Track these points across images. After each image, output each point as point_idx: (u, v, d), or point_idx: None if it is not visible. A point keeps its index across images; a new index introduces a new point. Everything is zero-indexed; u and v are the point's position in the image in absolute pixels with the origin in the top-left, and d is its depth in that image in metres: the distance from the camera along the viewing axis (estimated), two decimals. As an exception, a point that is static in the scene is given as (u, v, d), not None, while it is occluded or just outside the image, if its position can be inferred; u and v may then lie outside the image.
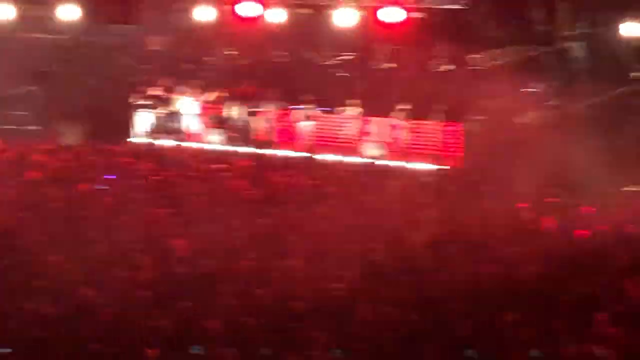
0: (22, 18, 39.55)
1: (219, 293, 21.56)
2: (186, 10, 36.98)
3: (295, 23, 35.74)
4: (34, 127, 36.40)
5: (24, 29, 40.06)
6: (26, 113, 37.67)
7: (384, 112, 34.26)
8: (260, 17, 35.27)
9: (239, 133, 35.49)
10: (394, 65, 35.61)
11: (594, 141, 28.86)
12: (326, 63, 36.91)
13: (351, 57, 37.21)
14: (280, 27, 36.11)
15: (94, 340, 19.20)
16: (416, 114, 33.61)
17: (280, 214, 26.96)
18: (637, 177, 27.94)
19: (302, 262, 23.83)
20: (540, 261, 23.22)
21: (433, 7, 33.43)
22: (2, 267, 23.19)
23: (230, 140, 35.32)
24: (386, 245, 24.81)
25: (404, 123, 33.67)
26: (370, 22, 34.44)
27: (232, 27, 36.77)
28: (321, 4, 34.89)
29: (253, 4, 34.66)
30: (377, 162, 33.00)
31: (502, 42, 33.48)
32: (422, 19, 33.58)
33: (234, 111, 35.64)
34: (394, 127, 33.83)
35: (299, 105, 35.59)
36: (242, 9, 35.04)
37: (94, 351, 18.93)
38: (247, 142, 35.13)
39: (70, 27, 38.81)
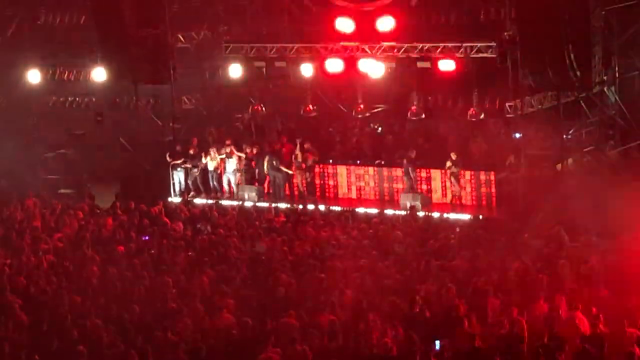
0: (54, 82, 40.22)
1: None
2: (216, 69, 37.45)
3: (327, 75, 35.51)
4: (68, 190, 36.32)
5: (57, 93, 40.40)
6: (58, 177, 37.70)
7: (425, 164, 34.22)
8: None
9: (274, 189, 35.41)
10: (431, 115, 35.38)
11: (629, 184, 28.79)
12: (360, 116, 36.56)
13: (387, 108, 37.18)
14: (312, 81, 36.21)
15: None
16: (456, 164, 33.42)
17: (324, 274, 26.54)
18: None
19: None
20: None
21: (473, 56, 33.38)
22: (42, 331, 23.28)
23: (266, 196, 35.22)
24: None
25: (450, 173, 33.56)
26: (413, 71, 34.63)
27: (262, 84, 37.14)
28: (357, 55, 34.81)
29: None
30: (418, 214, 32.54)
31: (538, 89, 33.36)
32: (463, 68, 33.61)
33: (268, 166, 35.42)
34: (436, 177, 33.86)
35: (333, 159, 35.63)
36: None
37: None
38: (281, 197, 34.95)
39: (101, 89, 39.16)
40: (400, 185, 34.40)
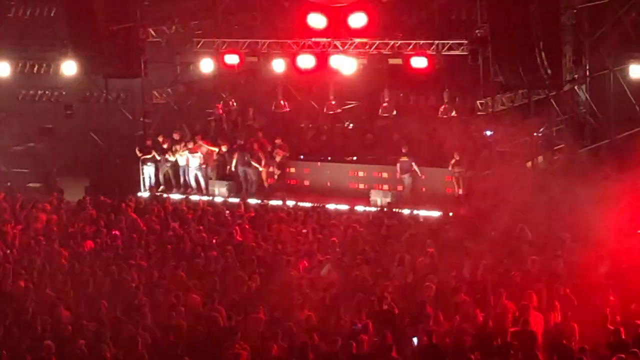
0: (23, 75, 40.27)
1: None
2: (188, 64, 37.57)
3: (298, 71, 35.58)
4: (35, 184, 36.32)
5: (26, 86, 40.60)
6: (27, 170, 37.61)
7: (393, 161, 34.09)
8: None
9: (244, 184, 35.36)
10: (400, 112, 35.37)
11: (598, 183, 28.87)
12: (331, 112, 36.66)
13: (358, 105, 37.34)
14: (283, 77, 36.26)
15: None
16: (423, 161, 33.56)
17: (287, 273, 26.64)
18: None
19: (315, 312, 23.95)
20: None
21: (445, 53, 33.45)
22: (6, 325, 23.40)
23: (235, 192, 35.24)
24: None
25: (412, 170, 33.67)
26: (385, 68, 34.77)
27: (233, 80, 37.21)
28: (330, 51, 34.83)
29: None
30: (386, 210, 32.60)
31: (509, 87, 33.54)
32: (435, 65, 33.61)
33: (237, 162, 35.44)
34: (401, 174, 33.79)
35: (303, 155, 35.63)
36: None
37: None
38: (252, 193, 34.88)
39: (71, 83, 39.25)
40: (363, 183, 34.37)
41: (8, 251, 28.48)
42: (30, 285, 25.66)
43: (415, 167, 33.20)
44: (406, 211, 32.47)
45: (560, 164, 32.62)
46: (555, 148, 33.39)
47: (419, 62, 33.30)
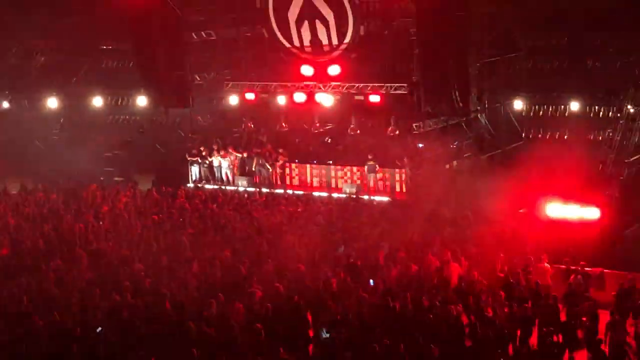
0: (111, 106, 40.67)
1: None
2: (220, 98, 37.33)
3: (294, 104, 35.11)
4: (119, 178, 36.05)
5: (113, 113, 40.84)
6: (113, 169, 37.20)
7: (358, 163, 33.72)
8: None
9: (260, 179, 35.04)
10: (362, 132, 35.04)
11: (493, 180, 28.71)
12: (316, 131, 36.52)
13: (334, 127, 36.72)
14: (284, 107, 35.79)
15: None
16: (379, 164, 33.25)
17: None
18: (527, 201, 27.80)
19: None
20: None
21: (392, 92, 33.09)
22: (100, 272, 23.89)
23: (252, 184, 34.82)
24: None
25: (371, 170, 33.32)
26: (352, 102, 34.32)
27: (250, 109, 36.63)
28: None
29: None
30: (352, 196, 32.40)
31: (434, 114, 33.23)
32: (385, 100, 33.29)
33: (254, 164, 35.07)
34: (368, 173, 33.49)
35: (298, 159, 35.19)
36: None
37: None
38: (265, 185, 34.51)
39: (143, 111, 39.35)
40: (341, 178, 34.16)
41: (100, 223, 28.64)
42: (115, 246, 25.87)
43: (378, 168, 32.88)
44: (365, 197, 32.26)
45: (467, 166, 32.45)
46: (465, 156, 33.15)
47: (374, 98, 33.22)
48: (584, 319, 19.98)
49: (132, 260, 24.40)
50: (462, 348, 18.69)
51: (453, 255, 23.94)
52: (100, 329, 19.59)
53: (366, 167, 33.19)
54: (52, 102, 39.55)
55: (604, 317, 19.89)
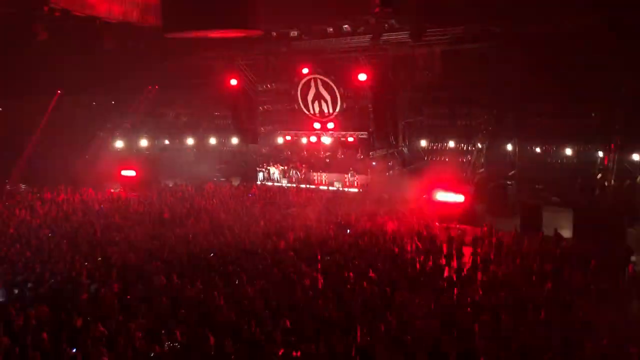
0: (218, 143, 39.56)
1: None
2: (275, 138, 37.28)
3: (310, 142, 35.04)
4: (223, 178, 36.16)
5: (219, 148, 39.80)
6: (219, 173, 37.08)
7: (343, 172, 33.51)
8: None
9: (291, 179, 35.09)
10: (344, 156, 34.95)
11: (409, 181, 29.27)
12: (321, 155, 35.91)
13: (331, 154, 35.71)
14: (304, 144, 35.56)
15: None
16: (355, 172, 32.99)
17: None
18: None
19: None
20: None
21: (360, 137, 33.36)
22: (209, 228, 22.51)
23: (289, 182, 34.82)
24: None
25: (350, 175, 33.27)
26: (339, 141, 34.43)
27: (289, 144, 36.67)
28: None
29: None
30: (339, 189, 32.67)
31: (381, 147, 33.56)
32: (356, 141, 33.79)
33: (290, 172, 35.29)
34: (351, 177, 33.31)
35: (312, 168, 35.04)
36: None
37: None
38: (294, 182, 34.44)
39: (235, 145, 39.06)
40: (331, 179, 33.70)
41: (213, 201, 29.06)
42: (221, 213, 25.68)
43: (354, 174, 32.95)
44: (346, 189, 32.71)
45: (396, 174, 32.57)
46: (395, 168, 33.25)
47: (350, 139, 33.97)
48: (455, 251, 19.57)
49: (228, 220, 24.27)
50: (392, 266, 17.73)
51: (389, 219, 23.83)
52: (212, 254, 18.86)
53: (349, 174, 33.33)
54: (190, 140, 39.47)
55: (467, 250, 19.72)
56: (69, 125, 36.39)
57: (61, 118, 36.50)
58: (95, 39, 25.00)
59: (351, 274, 16.45)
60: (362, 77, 31.26)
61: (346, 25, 26.08)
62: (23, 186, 31.32)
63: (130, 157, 36.48)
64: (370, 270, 16.69)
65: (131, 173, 34.63)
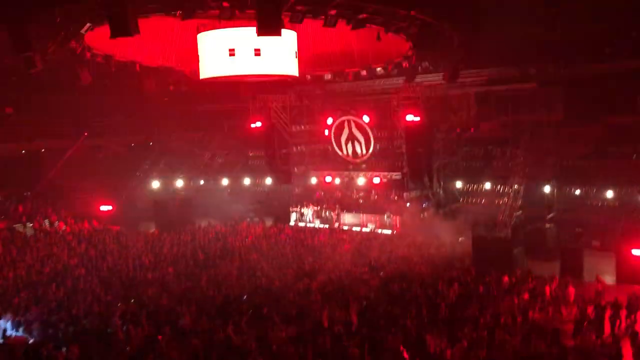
0: (253, 185, 39.94)
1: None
2: (306, 180, 37.15)
3: (324, 183, 35.30)
4: (256, 218, 36.07)
5: (253, 188, 40.11)
6: (253, 213, 37.16)
7: (379, 213, 33.10)
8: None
9: (321, 220, 34.83)
10: (377, 197, 34.35)
11: (444, 223, 28.90)
12: (355, 197, 35.33)
13: (364, 194, 35.27)
14: (340, 184, 35.50)
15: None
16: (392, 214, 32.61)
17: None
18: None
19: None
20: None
21: (394, 178, 32.96)
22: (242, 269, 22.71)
23: (322, 222, 34.63)
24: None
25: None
26: (373, 183, 33.95)
27: (319, 185, 36.41)
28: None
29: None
30: (372, 231, 31.52)
31: (415, 188, 33.01)
32: (387, 182, 33.44)
33: (323, 212, 34.88)
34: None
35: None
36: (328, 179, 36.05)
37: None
38: (327, 223, 34.32)
39: (269, 185, 38.96)
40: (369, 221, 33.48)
41: (247, 239, 29.17)
42: (252, 252, 26.06)
43: (392, 215, 32.44)
44: (379, 231, 32.33)
45: (430, 215, 31.90)
46: (430, 210, 32.61)
47: (384, 181, 33.67)
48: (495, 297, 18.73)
49: (260, 260, 24.32)
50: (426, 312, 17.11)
51: (422, 262, 23.95)
52: (245, 296, 18.92)
53: (386, 215, 32.86)
54: (225, 181, 39.73)
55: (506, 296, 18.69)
56: (107, 167, 37.48)
57: (100, 159, 37.75)
58: (136, 83, 25.66)
59: (381, 322, 15.92)
60: (396, 118, 31.40)
61: (379, 68, 26.26)
62: (63, 226, 31.66)
63: (166, 197, 36.96)
64: (404, 318, 16.18)
65: (166, 214, 35.09)
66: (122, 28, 14.26)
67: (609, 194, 28.53)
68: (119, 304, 17.43)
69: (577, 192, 29.79)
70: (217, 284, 20.43)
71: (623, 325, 15.57)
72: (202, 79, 21.75)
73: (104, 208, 35.19)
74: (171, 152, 40.79)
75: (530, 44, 23.13)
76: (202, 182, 40.50)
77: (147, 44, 21.34)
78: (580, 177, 29.13)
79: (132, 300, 17.99)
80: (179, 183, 39.39)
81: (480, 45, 23.26)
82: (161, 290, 19.25)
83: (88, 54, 21.00)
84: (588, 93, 26.68)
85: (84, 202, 34.68)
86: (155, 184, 39.00)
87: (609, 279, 21.66)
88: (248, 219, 35.86)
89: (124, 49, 21.97)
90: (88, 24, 17.12)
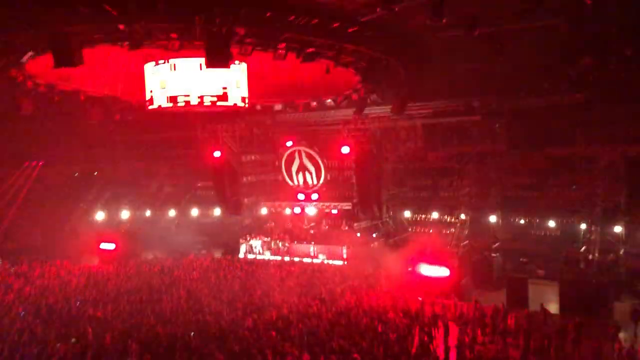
0: (202, 214, 38.41)
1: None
2: (257, 210, 36.67)
3: (294, 214, 34.74)
4: (204, 250, 34.69)
5: (202, 217, 38.50)
6: (200, 245, 35.57)
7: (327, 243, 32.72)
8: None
9: (275, 252, 34.07)
10: (328, 227, 34.53)
11: (393, 253, 28.54)
12: (306, 227, 35.32)
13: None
14: (291, 215, 35.16)
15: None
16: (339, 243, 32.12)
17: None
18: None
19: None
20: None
21: (344, 208, 33.07)
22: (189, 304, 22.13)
23: (272, 254, 33.85)
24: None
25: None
26: (323, 212, 34.01)
27: (273, 215, 36.01)
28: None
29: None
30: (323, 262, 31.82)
31: (365, 218, 33.19)
32: (341, 212, 33.48)
33: (273, 244, 34.18)
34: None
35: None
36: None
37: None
38: (278, 255, 33.52)
39: (213, 216, 38.31)
40: (319, 251, 32.66)
41: (193, 273, 28.28)
42: (200, 286, 25.10)
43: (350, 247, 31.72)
44: (330, 262, 31.46)
45: (380, 245, 32.01)
46: (379, 240, 32.82)
47: (334, 211, 33.88)
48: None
49: (208, 295, 23.78)
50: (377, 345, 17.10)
51: (373, 293, 23.83)
52: (192, 333, 18.13)
53: (343, 247, 32.08)
54: (172, 212, 38.73)
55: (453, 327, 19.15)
56: (49, 196, 36.03)
57: (42, 189, 36.16)
58: (80, 112, 25.02)
59: (333, 357, 15.82)
60: (346, 149, 31.57)
61: (329, 100, 26.61)
62: (-1, 260, 30.23)
63: (110, 229, 35.86)
64: (355, 352, 16.14)
65: (111, 246, 33.92)
66: (66, 59, 13.98)
67: (551, 223, 29.23)
68: (57, 345, 16.58)
69: (522, 221, 30.44)
70: (162, 321, 19.88)
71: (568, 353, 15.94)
72: (149, 109, 21.32)
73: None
74: (116, 182, 39.85)
75: (474, 78, 23.98)
76: (148, 213, 39.66)
77: (92, 72, 20.75)
78: (523, 207, 29.80)
79: (73, 340, 17.17)
80: (125, 214, 38.45)
81: (427, 79, 23.71)
82: (104, 329, 18.56)
83: (30, 83, 20.26)
84: (529, 125, 27.60)
85: (25, 234, 33.40)
86: (100, 215, 37.91)
87: (553, 308, 21.96)
88: (195, 252, 35.04)
89: (68, 78, 21.38)
90: (30, 53, 16.64)
